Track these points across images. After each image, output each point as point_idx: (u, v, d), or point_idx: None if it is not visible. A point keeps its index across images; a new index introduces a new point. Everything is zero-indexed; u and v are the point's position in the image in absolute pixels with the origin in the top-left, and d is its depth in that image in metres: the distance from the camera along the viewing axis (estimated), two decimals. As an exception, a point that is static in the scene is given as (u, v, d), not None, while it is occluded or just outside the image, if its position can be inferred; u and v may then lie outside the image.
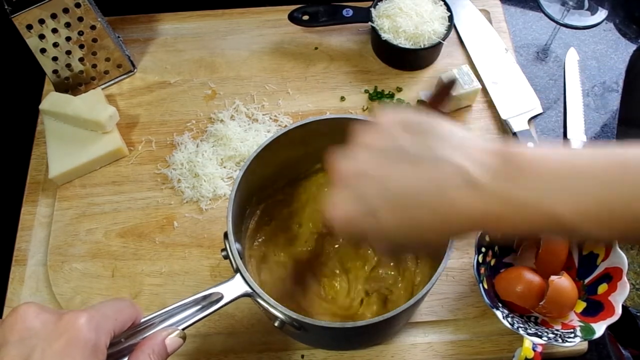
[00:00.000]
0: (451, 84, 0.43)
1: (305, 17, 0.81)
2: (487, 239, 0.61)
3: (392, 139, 0.37)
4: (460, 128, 0.38)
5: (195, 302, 0.47)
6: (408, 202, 0.35)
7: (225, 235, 0.50)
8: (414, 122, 0.38)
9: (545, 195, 0.33)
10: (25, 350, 0.36)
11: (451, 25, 0.77)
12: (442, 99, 0.44)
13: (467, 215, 0.34)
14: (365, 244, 0.58)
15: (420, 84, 0.79)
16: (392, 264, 0.60)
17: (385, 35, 0.77)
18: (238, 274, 0.48)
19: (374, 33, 0.78)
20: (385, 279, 0.60)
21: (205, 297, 0.47)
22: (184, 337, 0.44)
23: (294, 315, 0.46)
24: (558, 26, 0.86)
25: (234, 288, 0.48)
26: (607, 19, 0.86)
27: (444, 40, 0.76)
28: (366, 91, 0.79)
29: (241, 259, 0.49)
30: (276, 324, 0.48)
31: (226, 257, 0.50)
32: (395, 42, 0.76)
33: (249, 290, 0.48)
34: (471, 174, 0.34)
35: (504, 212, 0.34)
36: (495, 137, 0.75)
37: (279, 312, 0.47)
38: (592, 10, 0.87)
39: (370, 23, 0.78)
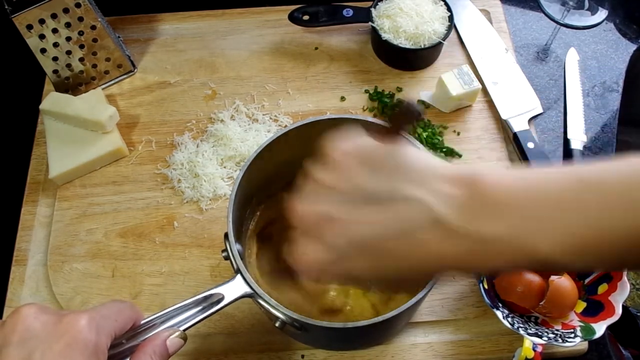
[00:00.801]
0: (417, 114, 0.36)
1: (306, 17, 0.81)
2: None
3: (349, 177, 0.35)
4: (419, 153, 0.35)
5: (196, 303, 0.47)
6: (376, 248, 0.34)
7: (226, 235, 0.50)
8: (370, 154, 0.35)
9: (517, 230, 0.31)
10: (26, 351, 0.36)
11: (451, 25, 0.77)
12: (404, 125, 0.38)
13: (438, 257, 0.33)
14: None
15: (420, 84, 0.79)
16: None
17: (385, 35, 0.77)
18: (239, 275, 0.48)
19: (374, 33, 0.78)
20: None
21: (206, 298, 0.47)
22: (185, 338, 0.44)
23: (295, 315, 0.46)
24: (558, 26, 0.86)
25: (234, 289, 0.48)
26: (607, 19, 0.86)
27: (444, 40, 0.76)
28: (366, 91, 0.79)
29: (242, 259, 0.49)
30: (277, 325, 0.48)
31: (227, 257, 0.50)
32: (395, 42, 0.76)
33: (250, 290, 0.48)
34: (437, 213, 0.32)
35: (475, 250, 0.32)
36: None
37: (280, 312, 0.47)
38: (592, 10, 0.87)
39: (370, 23, 0.78)
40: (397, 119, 0.37)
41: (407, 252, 0.33)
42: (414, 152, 0.35)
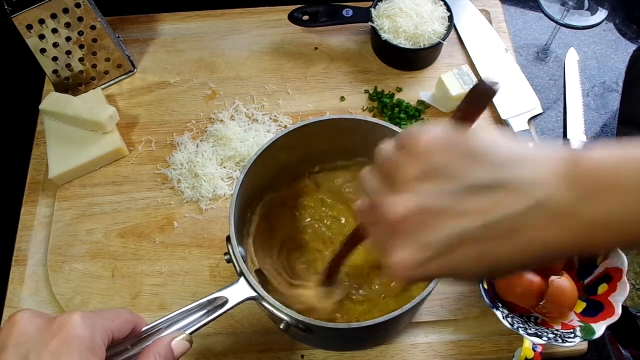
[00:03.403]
0: (491, 91, 0.32)
1: (306, 18, 0.81)
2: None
3: (441, 168, 0.32)
4: (507, 137, 0.33)
5: (201, 307, 0.47)
6: (478, 240, 0.31)
7: (228, 239, 0.50)
8: (457, 143, 0.32)
9: (627, 211, 0.29)
10: (22, 353, 0.37)
11: (451, 25, 0.77)
12: (481, 106, 0.34)
13: (543, 243, 0.30)
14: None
15: (420, 84, 0.79)
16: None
17: (385, 36, 0.77)
18: (242, 278, 0.48)
19: (374, 33, 0.78)
20: (388, 283, 0.60)
21: (210, 302, 0.47)
22: (190, 342, 0.44)
23: (300, 317, 0.46)
24: (558, 26, 0.86)
25: (238, 292, 0.48)
26: (607, 19, 0.86)
27: (444, 41, 0.76)
28: (366, 91, 0.79)
29: (244, 262, 0.49)
30: (281, 327, 0.48)
31: (229, 261, 0.50)
32: (395, 43, 0.76)
33: (254, 294, 0.48)
34: (539, 197, 0.30)
35: (581, 233, 0.30)
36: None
37: (285, 314, 0.47)
38: (592, 11, 0.87)
39: (370, 23, 0.78)
40: (474, 101, 0.34)
41: (511, 240, 0.31)
42: (503, 137, 0.32)
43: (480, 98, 0.33)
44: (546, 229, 0.30)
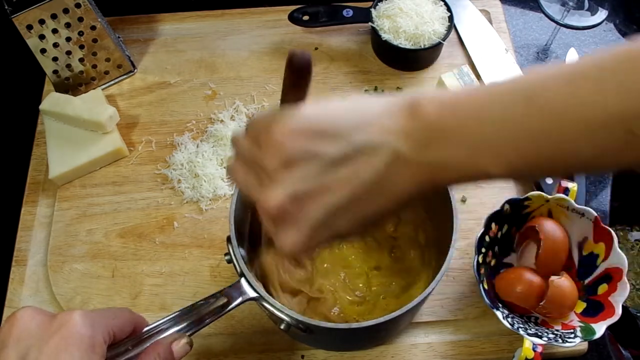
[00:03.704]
0: (306, 61, 0.35)
1: (306, 18, 0.81)
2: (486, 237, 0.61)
3: (297, 154, 0.34)
4: (348, 100, 0.36)
5: (201, 308, 0.47)
6: (352, 205, 0.35)
7: (229, 239, 0.50)
8: (304, 126, 0.34)
9: (467, 155, 0.32)
10: (23, 350, 0.37)
11: (451, 25, 0.77)
12: (303, 84, 0.37)
13: (407, 189, 0.34)
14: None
15: (420, 84, 0.79)
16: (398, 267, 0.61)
17: (385, 36, 0.77)
18: (243, 279, 0.48)
19: (374, 33, 0.78)
20: (388, 284, 0.60)
21: (211, 303, 0.47)
22: (190, 343, 0.44)
23: (301, 317, 0.46)
24: (558, 26, 0.86)
25: (239, 293, 0.48)
26: (607, 19, 0.86)
27: (444, 41, 0.76)
28: (366, 91, 0.79)
29: (245, 263, 0.49)
30: (282, 327, 0.48)
31: (230, 261, 0.50)
32: (395, 43, 0.76)
33: (255, 294, 0.48)
34: (392, 151, 0.33)
35: (435, 175, 0.34)
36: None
37: (285, 315, 0.47)
38: (592, 11, 0.87)
39: (370, 23, 0.78)
40: (293, 78, 0.36)
41: (376, 198, 0.34)
42: (343, 102, 0.36)
43: (298, 73, 0.36)
44: (400, 178, 0.34)
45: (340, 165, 0.34)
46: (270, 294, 0.51)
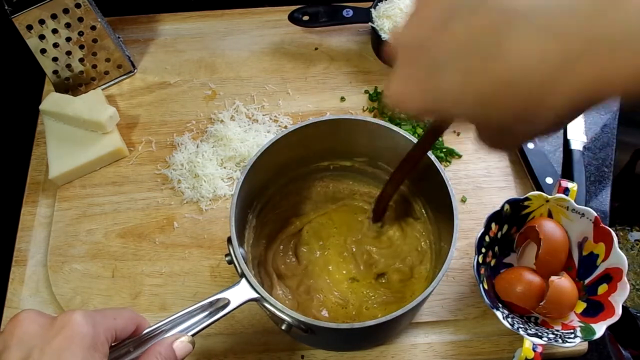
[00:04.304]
0: None
1: (306, 18, 0.81)
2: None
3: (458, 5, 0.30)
4: None
5: (202, 309, 0.47)
6: (469, 55, 0.29)
7: (229, 240, 0.50)
8: None
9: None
10: (25, 351, 0.37)
11: (451, 25, 0.77)
12: None
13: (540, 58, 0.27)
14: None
15: (420, 85, 0.79)
16: (398, 265, 0.61)
17: (385, 36, 0.76)
18: (244, 279, 0.48)
19: (374, 33, 0.78)
20: (389, 284, 0.60)
21: (212, 304, 0.47)
22: (192, 343, 0.44)
23: (302, 318, 0.46)
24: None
25: (240, 293, 0.48)
26: None
27: (444, 41, 0.76)
28: (366, 92, 0.79)
29: (245, 263, 0.49)
30: (283, 327, 0.48)
31: (230, 262, 0.50)
32: (395, 43, 0.76)
33: (256, 295, 0.48)
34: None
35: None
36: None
37: (286, 315, 0.47)
38: None
39: (370, 23, 0.78)
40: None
41: (504, 57, 0.28)
42: None
43: None
44: (536, 44, 0.27)
45: (472, 13, 0.29)
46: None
